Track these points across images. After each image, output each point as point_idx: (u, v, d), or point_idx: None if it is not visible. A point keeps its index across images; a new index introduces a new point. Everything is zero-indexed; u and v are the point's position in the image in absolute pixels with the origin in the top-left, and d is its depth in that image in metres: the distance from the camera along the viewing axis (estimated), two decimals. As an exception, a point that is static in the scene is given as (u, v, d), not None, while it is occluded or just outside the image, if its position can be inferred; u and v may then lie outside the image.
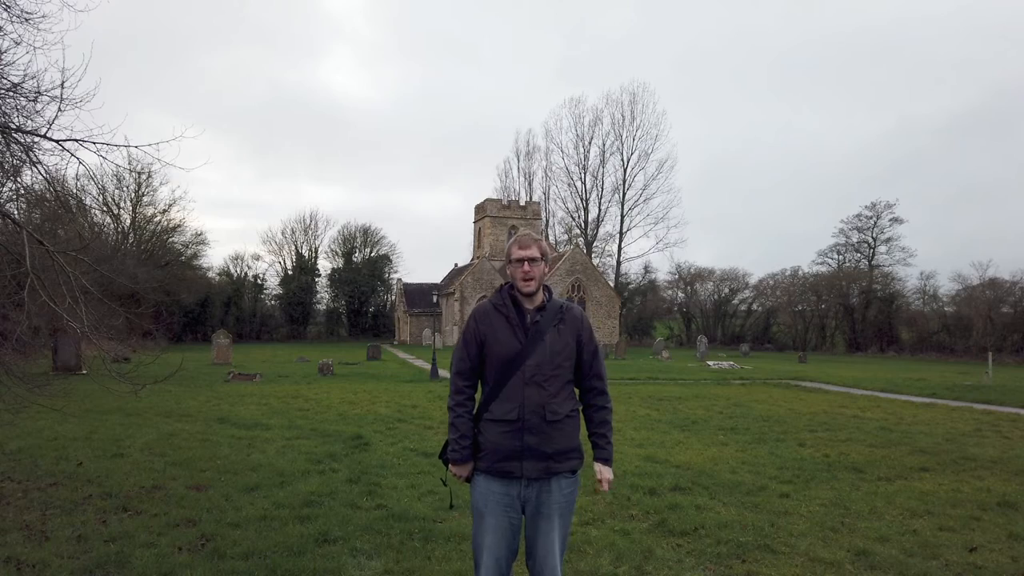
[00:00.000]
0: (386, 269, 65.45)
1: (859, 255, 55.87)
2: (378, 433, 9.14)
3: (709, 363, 28.55)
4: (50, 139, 4.95)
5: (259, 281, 61.27)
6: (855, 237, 55.86)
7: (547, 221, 60.59)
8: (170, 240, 46.74)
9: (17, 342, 6.38)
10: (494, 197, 56.67)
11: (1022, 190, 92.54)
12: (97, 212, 38.69)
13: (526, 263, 2.83)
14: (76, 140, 4.91)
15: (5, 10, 5.50)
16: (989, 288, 43.23)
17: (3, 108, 5.47)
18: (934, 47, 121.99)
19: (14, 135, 5.32)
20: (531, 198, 61.31)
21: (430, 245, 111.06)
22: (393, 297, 64.83)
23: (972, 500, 5.94)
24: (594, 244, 58.96)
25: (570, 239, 58.83)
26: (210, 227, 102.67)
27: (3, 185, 7.76)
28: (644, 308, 59.61)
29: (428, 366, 22.34)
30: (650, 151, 58.81)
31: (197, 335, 50.22)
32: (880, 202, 53.63)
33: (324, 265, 64.31)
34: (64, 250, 5.36)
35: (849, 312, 51.24)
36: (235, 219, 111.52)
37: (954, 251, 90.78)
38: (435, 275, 71.28)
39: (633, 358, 33.21)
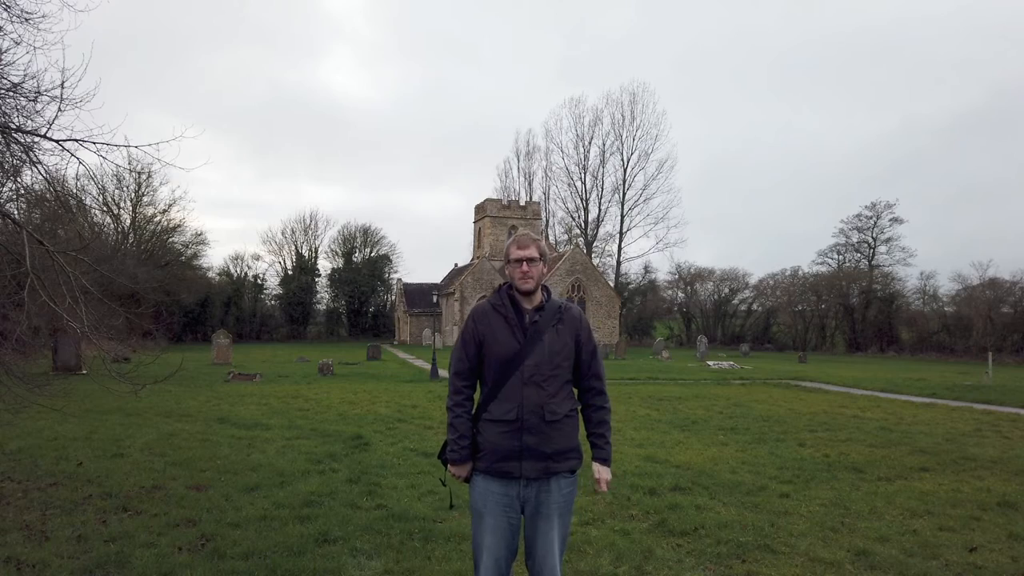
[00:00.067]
0: (386, 269, 65.48)
1: (859, 255, 55.93)
2: (378, 433, 9.14)
3: (709, 363, 28.55)
4: (50, 139, 4.96)
5: (259, 281, 61.33)
6: (855, 237, 55.95)
7: (547, 221, 60.65)
8: (170, 240, 46.75)
9: (17, 342, 6.37)
10: (494, 197, 56.66)
11: (1022, 190, 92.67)
12: (97, 212, 38.73)
13: (524, 263, 2.83)
14: (76, 140, 4.92)
15: (5, 10, 5.50)
16: (989, 288, 43.24)
17: (3, 108, 5.47)
18: (934, 47, 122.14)
19: (14, 135, 5.32)
20: (531, 198, 61.34)
21: (430, 245, 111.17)
22: (393, 297, 64.84)
23: (972, 500, 5.94)
24: (594, 244, 59.01)
25: (570, 239, 58.86)
26: (210, 227, 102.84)
27: (3, 185, 7.76)
28: (644, 308, 59.61)
29: (428, 366, 22.35)
30: (650, 151, 58.94)
31: (197, 335, 50.22)
32: (880, 202, 53.74)
33: (324, 265, 64.44)
34: (64, 250, 5.36)
35: (849, 312, 51.24)
36: (235, 219, 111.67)
37: (954, 251, 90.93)
38: (435, 275, 71.39)
39: (633, 358, 33.21)
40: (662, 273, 72.37)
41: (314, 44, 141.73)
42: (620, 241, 57.82)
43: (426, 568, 4.14)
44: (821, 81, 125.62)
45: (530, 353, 2.79)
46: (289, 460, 7.23)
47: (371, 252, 65.29)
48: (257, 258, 78.00)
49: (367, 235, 65.45)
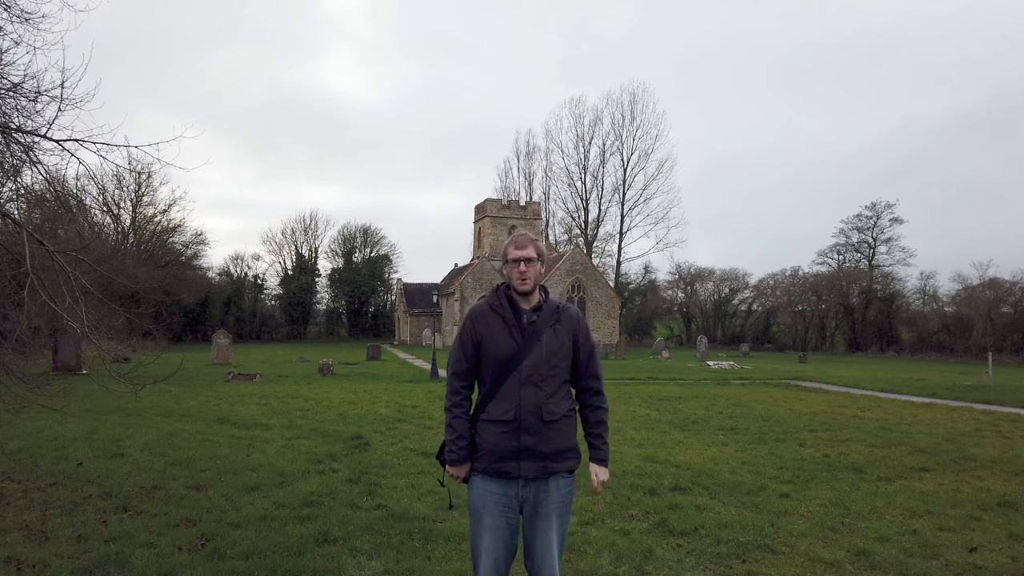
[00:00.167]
0: (386, 269, 65.50)
1: (859, 255, 55.96)
2: (378, 433, 9.14)
3: (709, 363, 28.55)
4: (50, 139, 4.96)
5: (259, 281, 61.35)
6: (855, 237, 55.99)
7: (547, 221, 60.65)
8: (170, 240, 46.77)
9: (17, 342, 6.37)
10: (494, 197, 56.65)
11: (1022, 190, 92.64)
12: (97, 212, 38.74)
13: (522, 263, 2.82)
14: (76, 140, 4.92)
15: (5, 10, 5.50)
16: (989, 288, 43.24)
17: (3, 108, 5.47)
18: (934, 47, 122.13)
19: (14, 135, 5.32)
20: (531, 198, 61.33)
21: (430, 245, 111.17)
22: (393, 297, 64.85)
23: (972, 500, 5.94)
24: (594, 244, 59.01)
25: (570, 239, 58.86)
26: (210, 227, 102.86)
27: (3, 185, 7.75)
28: (644, 308, 59.62)
29: (428, 366, 22.36)
30: (650, 151, 58.99)
31: (197, 335, 50.22)
32: (880, 202, 53.79)
33: (324, 265, 64.48)
34: (64, 250, 5.36)
35: (849, 312, 51.24)
36: (235, 219, 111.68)
37: (954, 251, 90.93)
38: (435, 275, 71.38)
39: (633, 358, 33.21)
40: (662, 273, 72.50)
41: (314, 44, 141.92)
42: (620, 241, 57.93)
43: (426, 568, 4.14)
44: (821, 81, 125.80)
45: (528, 353, 2.79)
46: (289, 460, 7.23)
47: (371, 252, 65.33)
48: (257, 258, 78.25)
49: (367, 235, 65.54)
